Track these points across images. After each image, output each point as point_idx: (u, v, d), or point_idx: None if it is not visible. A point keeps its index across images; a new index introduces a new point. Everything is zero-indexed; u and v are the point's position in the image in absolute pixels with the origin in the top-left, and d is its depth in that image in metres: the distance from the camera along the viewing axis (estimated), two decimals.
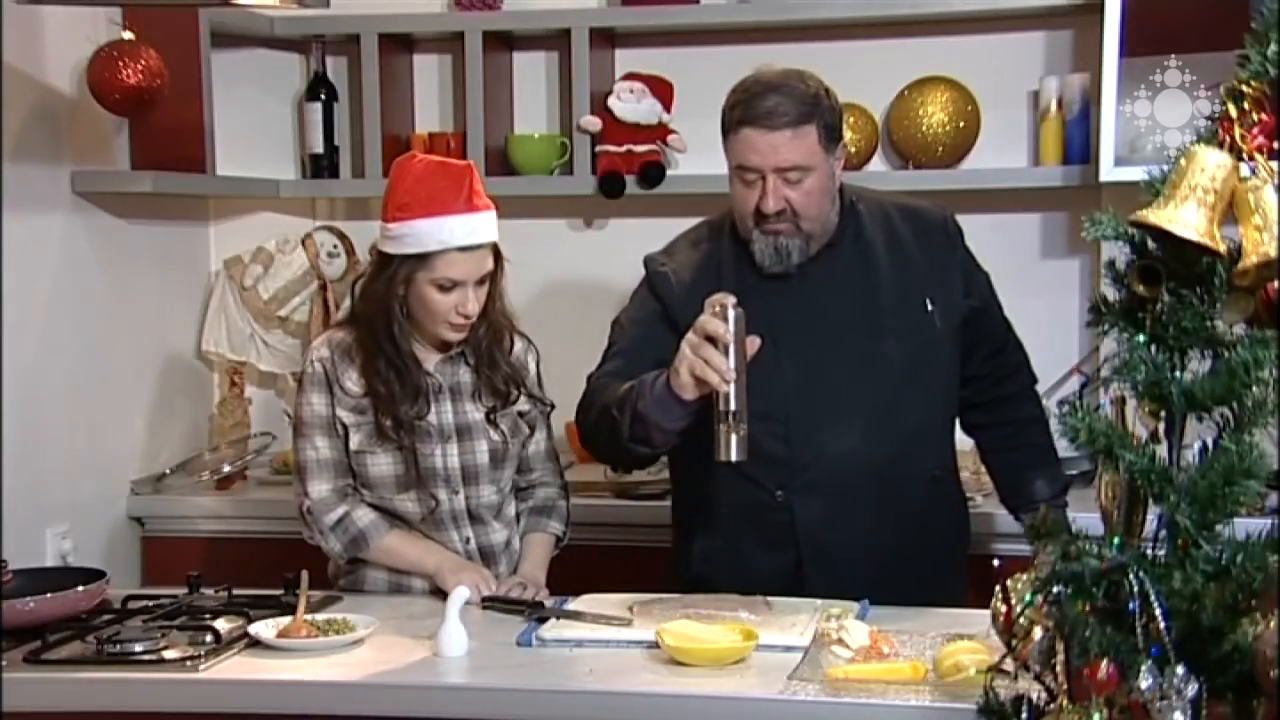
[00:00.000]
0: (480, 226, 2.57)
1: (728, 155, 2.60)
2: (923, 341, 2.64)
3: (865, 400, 2.61)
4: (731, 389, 2.35)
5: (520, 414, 2.74)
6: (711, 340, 2.35)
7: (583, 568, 2.95)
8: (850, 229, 2.68)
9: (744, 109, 2.53)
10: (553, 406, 2.81)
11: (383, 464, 2.65)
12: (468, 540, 2.70)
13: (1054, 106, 3.53)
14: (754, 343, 2.39)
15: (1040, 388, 2.90)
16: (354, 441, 2.64)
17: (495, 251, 2.62)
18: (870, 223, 2.69)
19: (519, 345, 2.75)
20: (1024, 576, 1.80)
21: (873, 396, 2.61)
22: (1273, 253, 1.67)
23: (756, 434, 2.47)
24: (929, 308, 2.64)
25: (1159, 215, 1.68)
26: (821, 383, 2.61)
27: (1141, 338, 1.71)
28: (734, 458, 2.38)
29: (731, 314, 2.36)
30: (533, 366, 2.77)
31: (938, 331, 2.65)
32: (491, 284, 2.63)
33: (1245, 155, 1.70)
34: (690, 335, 2.38)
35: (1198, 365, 1.70)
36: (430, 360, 2.67)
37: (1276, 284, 1.68)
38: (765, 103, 2.51)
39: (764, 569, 2.60)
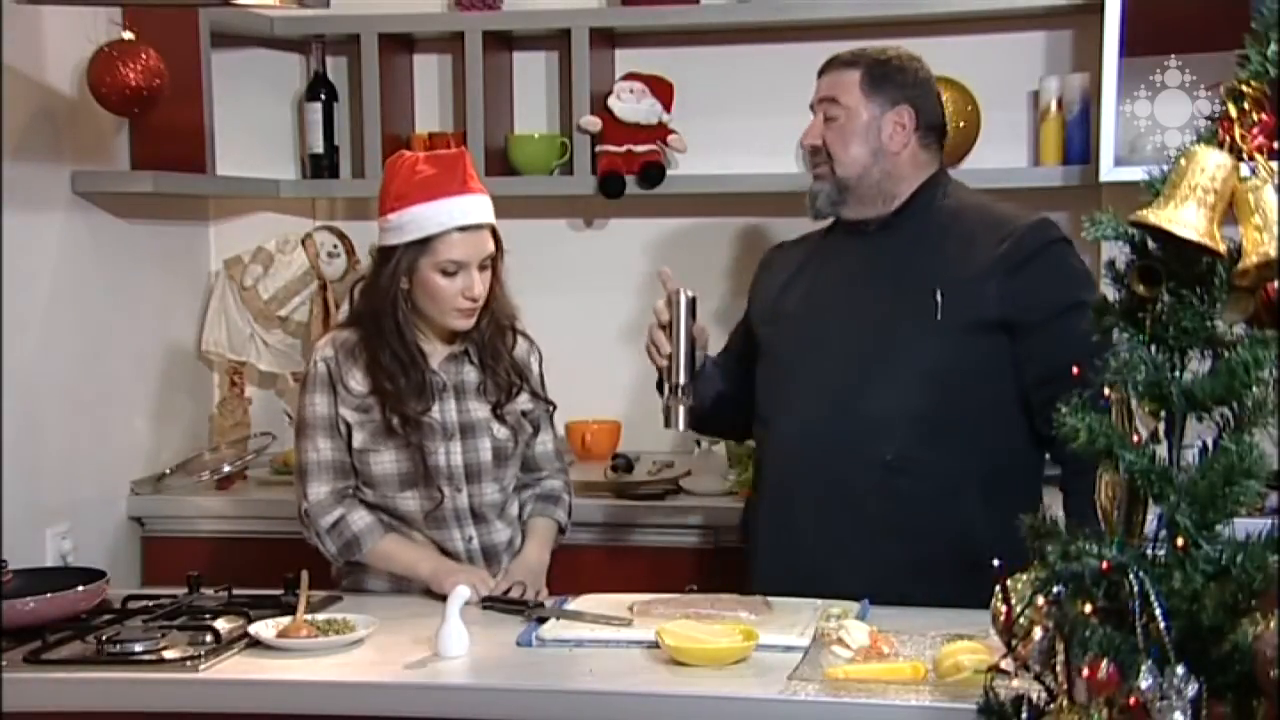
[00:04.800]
0: (478, 207, 2.62)
1: None
2: (912, 326, 2.62)
3: (830, 382, 2.67)
4: (678, 364, 2.69)
5: (524, 413, 2.75)
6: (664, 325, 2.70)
7: (583, 568, 2.96)
8: (914, 216, 2.71)
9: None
10: (555, 406, 2.82)
11: (386, 462, 2.65)
12: (470, 539, 2.70)
13: (1054, 106, 3.53)
14: (700, 328, 2.73)
15: None
16: (357, 440, 2.65)
17: (495, 238, 2.64)
18: (940, 215, 2.70)
19: (522, 345, 2.77)
20: (1024, 576, 1.80)
21: (840, 379, 2.66)
22: (1273, 253, 1.67)
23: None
24: (937, 296, 2.60)
25: (1159, 215, 1.68)
26: (802, 364, 2.71)
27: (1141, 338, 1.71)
28: (679, 428, 2.76)
29: (682, 298, 2.70)
30: (536, 367, 2.79)
31: (936, 321, 2.60)
32: (493, 272, 2.65)
33: (1245, 155, 1.70)
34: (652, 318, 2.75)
35: (1198, 365, 1.70)
36: (435, 358, 2.68)
37: (1276, 284, 1.68)
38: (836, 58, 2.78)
39: None
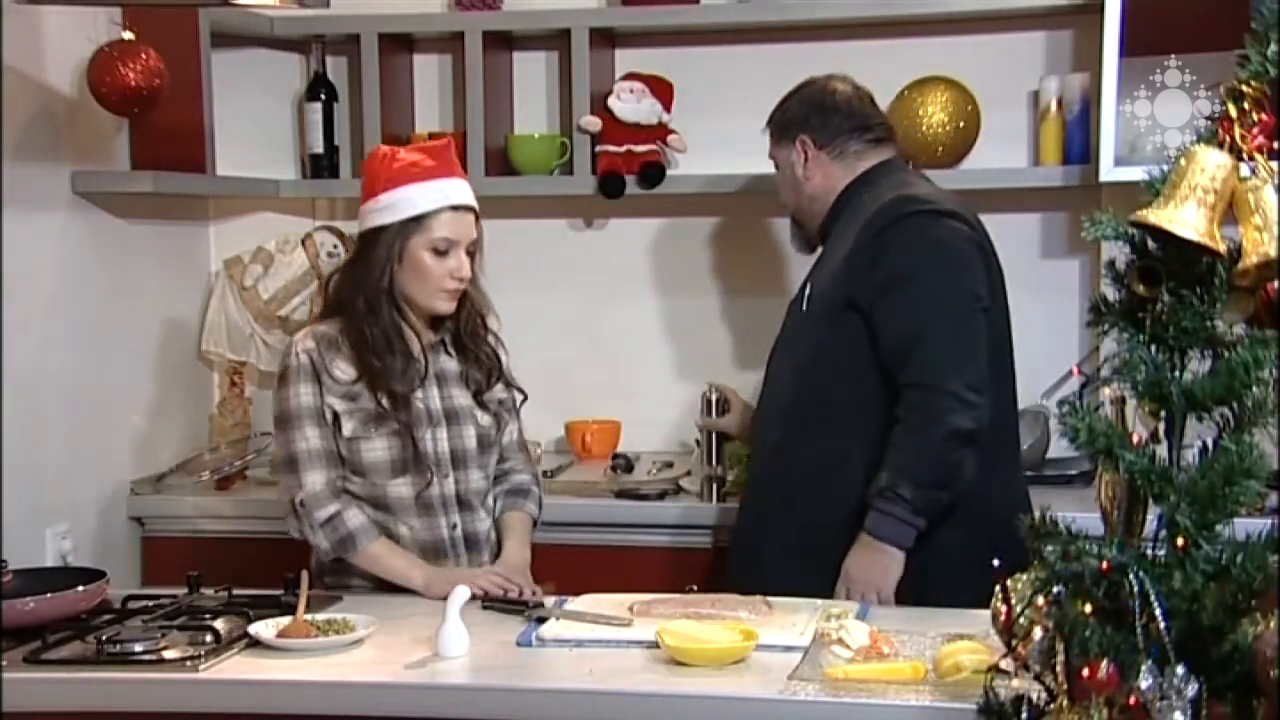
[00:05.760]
0: (467, 191, 2.68)
1: None
2: (791, 322, 2.90)
3: (771, 383, 2.94)
4: (703, 451, 3.28)
5: (500, 401, 2.79)
6: None
7: (583, 568, 2.96)
8: (834, 220, 2.89)
9: None
10: (525, 396, 2.87)
11: (378, 449, 2.66)
12: (454, 527, 2.71)
13: (1054, 106, 3.53)
14: (719, 420, 3.20)
15: (1040, 387, 2.89)
16: (347, 429, 2.65)
17: (477, 225, 2.69)
18: (857, 211, 2.82)
19: (490, 337, 2.81)
20: (1024, 576, 1.80)
21: (770, 377, 2.97)
22: (1273, 253, 1.67)
23: None
24: (808, 290, 2.84)
25: (1159, 215, 1.68)
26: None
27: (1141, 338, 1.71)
28: (711, 501, 3.29)
29: (713, 398, 3.23)
30: (504, 357, 2.83)
31: (804, 314, 2.83)
32: (473, 260, 2.69)
33: (1245, 155, 1.70)
34: None
35: (1198, 365, 1.70)
36: (416, 345, 2.70)
37: (1276, 284, 1.68)
38: None
39: None
